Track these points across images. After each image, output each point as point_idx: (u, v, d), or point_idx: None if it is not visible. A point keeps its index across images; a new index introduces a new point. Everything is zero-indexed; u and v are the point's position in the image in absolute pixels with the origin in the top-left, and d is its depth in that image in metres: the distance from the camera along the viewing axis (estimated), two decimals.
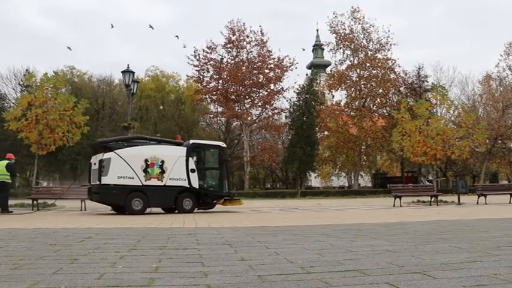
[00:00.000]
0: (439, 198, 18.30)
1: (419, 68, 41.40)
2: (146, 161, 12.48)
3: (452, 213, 11.38)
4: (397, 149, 25.15)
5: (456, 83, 43.65)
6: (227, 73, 38.76)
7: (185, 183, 12.89)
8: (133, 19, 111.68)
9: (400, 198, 17.02)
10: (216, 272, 3.13)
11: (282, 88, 40.39)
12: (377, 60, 40.14)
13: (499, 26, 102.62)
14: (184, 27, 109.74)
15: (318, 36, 69.02)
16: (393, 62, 40.52)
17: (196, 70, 39.67)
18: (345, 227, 7.32)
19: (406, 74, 41.57)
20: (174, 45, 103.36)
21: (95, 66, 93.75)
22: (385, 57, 40.40)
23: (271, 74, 39.46)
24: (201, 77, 39.94)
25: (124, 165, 12.28)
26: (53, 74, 20.21)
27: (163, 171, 12.61)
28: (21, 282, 2.81)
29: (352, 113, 41.43)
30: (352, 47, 40.49)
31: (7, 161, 13.72)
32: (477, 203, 17.37)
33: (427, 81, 40.92)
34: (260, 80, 39.30)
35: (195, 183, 13.03)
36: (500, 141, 39.10)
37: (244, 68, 38.77)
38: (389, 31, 41.38)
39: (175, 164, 12.77)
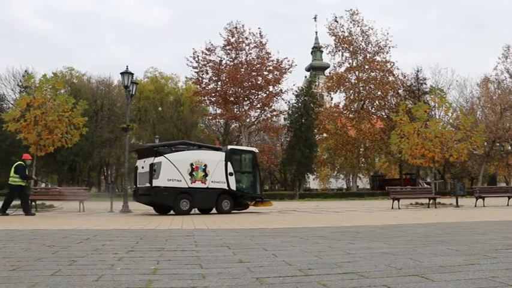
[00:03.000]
0: (437, 200, 18.32)
1: (417, 71, 41.52)
2: (191, 165, 13.39)
3: (450, 216, 11.39)
4: (395, 151, 25.19)
5: (454, 85, 43.73)
6: (226, 75, 38.71)
7: (224, 186, 13.87)
8: (131, 20, 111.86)
9: (398, 201, 17.04)
10: (214, 274, 3.14)
11: (281, 90, 40.39)
12: (376, 63, 40.23)
13: (495, 29, 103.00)
14: (182, 29, 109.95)
15: (317, 39, 69.16)
16: (392, 64, 40.66)
17: (195, 72, 39.66)
18: (343, 229, 7.33)
19: (404, 77, 41.69)
20: (173, 46, 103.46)
21: (94, 68, 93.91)
22: (384, 59, 40.53)
23: (270, 76, 39.44)
24: (200, 78, 39.88)
25: (173, 169, 13.12)
26: (52, 75, 20.21)
27: (206, 175, 13.58)
28: (19, 284, 2.81)
29: (350, 115, 41.51)
30: (351, 49, 40.58)
31: (19, 162, 13.09)
32: (475, 206, 17.39)
33: (425, 84, 41.03)
34: (259, 82, 39.27)
35: (233, 186, 14.04)
36: (498, 144, 39.16)
37: (243, 69, 38.73)
38: (388, 34, 41.60)
39: (216, 168, 13.77)
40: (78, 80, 45.99)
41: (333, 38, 40.89)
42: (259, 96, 40.06)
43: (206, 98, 40.63)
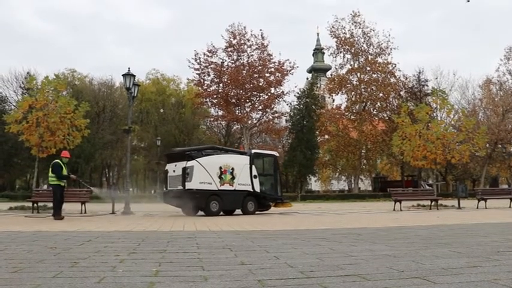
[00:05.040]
0: (439, 202, 18.29)
1: (419, 72, 41.46)
2: (220, 168, 14.15)
3: (452, 218, 11.37)
4: (397, 153, 25.12)
5: (456, 87, 43.64)
6: (228, 77, 38.70)
7: (249, 188, 14.64)
8: (132, 22, 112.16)
9: (400, 202, 17.00)
10: (216, 276, 3.14)
11: (283, 92, 40.32)
12: (377, 64, 40.18)
13: (495, 29, 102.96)
14: (183, 30, 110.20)
15: (318, 40, 69.15)
16: (393, 66, 40.60)
17: (196, 73, 39.67)
18: (344, 231, 7.32)
19: (406, 78, 41.62)
20: (174, 48, 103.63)
21: (95, 69, 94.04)
22: (386, 61, 40.46)
23: (272, 77, 39.42)
24: (202, 80, 39.87)
25: (204, 172, 13.83)
26: (54, 77, 20.23)
27: (233, 177, 14.35)
28: (21, 285, 2.82)
29: (352, 117, 41.45)
30: (353, 51, 40.55)
31: (56, 161, 11.99)
32: (477, 207, 17.35)
33: (427, 86, 40.97)
34: (260, 84, 39.25)
35: (257, 188, 14.81)
36: (500, 146, 39.08)
37: (244, 71, 38.72)
38: (389, 35, 41.54)
39: (242, 171, 14.53)
40: (80, 81, 46.08)
41: (335, 39, 40.93)
42: (261, 98, 40.05)
43: (208, 99, 40.63)
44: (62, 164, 11.90)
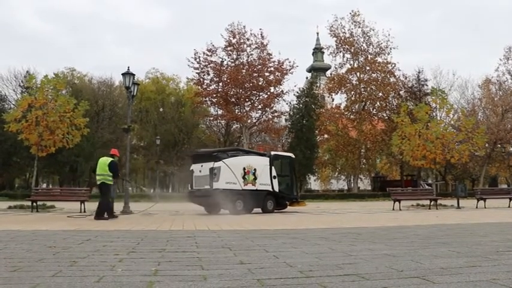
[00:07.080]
0: (438, 202, 18.30)
1: (419, 72, 41.45)
2: (244, 169, 14.79)
3: (451, 217, 11.38)
4: (396, 152, 25.15)
5: (456, 87, 43.65)
6: (227, 76, 38.67)
7: (269, 188, 15.32)
8: (132, 22, 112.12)
9: (400, 202, 17.01)
10: (215, 275, 3.14)
11: (282, 91, 40.29)
12: (377, 64, 40.15)
13: (495, 29, 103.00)
14: (182, 30, 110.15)
15: (318, 40, 69.19)
16: (393, 65, 40.56)
17: (196, 73, 39.64)
18: (344, 230, 7.32)
19: (406, 78, 41.60)
20: (174, 47, 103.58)
21: (95, 69, 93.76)
22: (385, 60, 40.43)
23: (271, 77, 39.38)
24: (201, 79, 39.83)
25: (229, 173, 14.40)
26: (54, 76, 20.20)
27: (255, 178, 14.98)
28: (20, 284, 2.81)
29: (351, 117, 41.44)
30: (352, 50, 40.52)
31: (110, 159, 11.42)
32: (476, 207, 17.37)
33: (426, 85, 40.97)
34: (260, 83, 39.21)
35: (276, 188, 15.50)
36: (499, 145, 39.11)
37: (244, 70, 38.69)
38: (389, 35, 41.45)
39: (263, 172, 15.19)
40: (79, 80, 46.06)
41: (334, 39, 40.90)
42: (261, 97, 40.02)
43: (207, 99, 40.60)
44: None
